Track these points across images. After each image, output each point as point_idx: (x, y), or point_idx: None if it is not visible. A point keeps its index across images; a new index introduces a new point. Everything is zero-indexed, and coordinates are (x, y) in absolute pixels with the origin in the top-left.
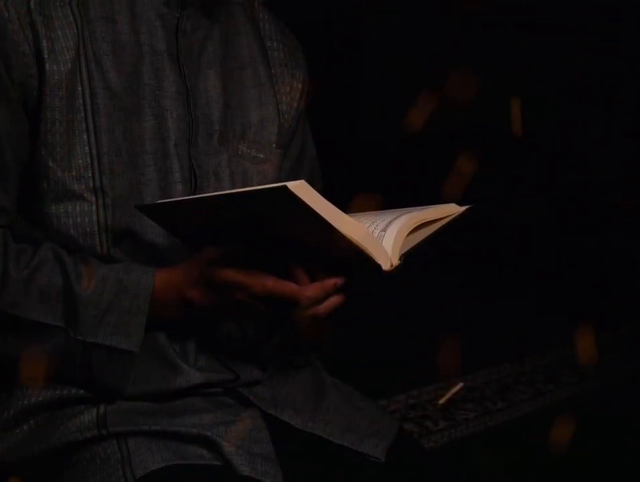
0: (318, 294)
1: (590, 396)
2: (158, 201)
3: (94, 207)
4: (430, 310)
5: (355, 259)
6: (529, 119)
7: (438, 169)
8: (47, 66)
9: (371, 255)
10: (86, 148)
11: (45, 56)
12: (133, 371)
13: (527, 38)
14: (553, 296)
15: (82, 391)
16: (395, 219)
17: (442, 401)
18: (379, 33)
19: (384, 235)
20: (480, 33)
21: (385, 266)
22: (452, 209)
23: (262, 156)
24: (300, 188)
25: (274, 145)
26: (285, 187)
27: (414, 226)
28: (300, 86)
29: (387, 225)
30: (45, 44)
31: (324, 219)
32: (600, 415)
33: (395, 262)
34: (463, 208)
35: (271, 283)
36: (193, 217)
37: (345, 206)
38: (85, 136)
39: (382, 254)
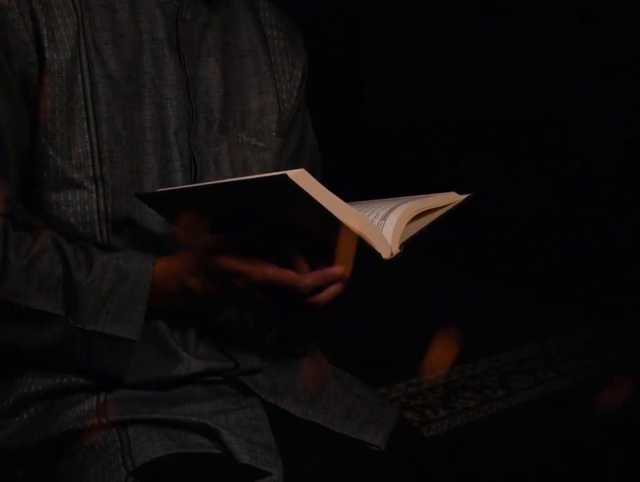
0: (318, 282)
1: (590, 385)
2: (158, 190)
3: (94, 196)
4: (431, 298)
5: (355, 247)
6: (529, 109)
7: (439, 158)
8: (47, 54)
9: (372, 244)
10: (86, 136)
11: (45, 44)
12: (133, 359)
13: (527, 28)
14: (553, 285)
15: (81, 380)
16: (395, 207)
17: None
18: (380, 22)
19: (384, 224)
20: (481, 22)
21: (385, 255)
22: (452, 198)
23: (262, 144)
24: (301, 176)
25: (274, 134)
26: (285, 176)
27: (414, 215)
28: (300, 74)
29: (387, 214)
30: (45, 32)
31: (324, 207)
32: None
33: (395, 250)
34: (463, 196)
35: (271, 271)
36: (193, 206)
37: (346, 194)
38: (85, 125)
39: (382, 242)
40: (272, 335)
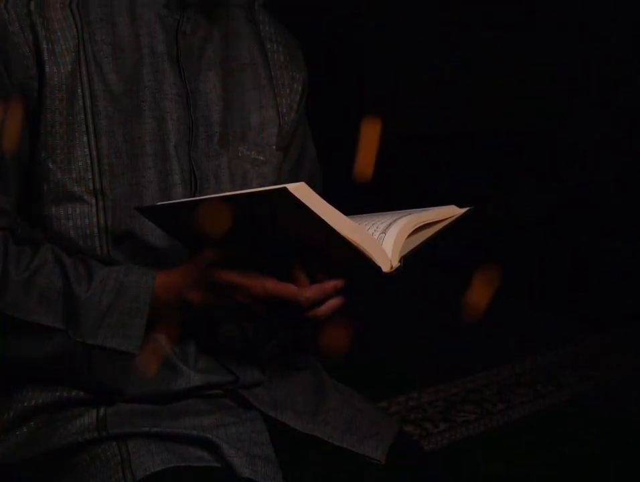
0: (318, 296)
1: (591, 397)
2: (158, 203)
3: (93, 209)
4: (430, 311)
5: (355, 261)
6: (529, 119)
7: (440, 170)
8: (47, 68)
9: (371, 257)
10: (86, 150)
11: (45, 58)
12: (133, 372)
13: (527, 38)
14: (553, 297)
15: (81, 394)
16: (395, 221)
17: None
18: (380, 33)
19: (384, 238)
20: (480, 32)
21: (385, 268)
22: (452, 211)
23: (262, 158)
24: (300, 190)
25: (274, 147)
26: (285, 189)
27: (414, 228)
28: (300, 88)
29: (387, 227)
30: (45, 46)
31: (324, 221)
32: (601, 416)
33: (395, 264)
34: (463, 210)
35: (271, 285)
36: (192, 219)
37: (346, 208)
38: (85, 138)
39: (382, 256)
40: (272, 348)
